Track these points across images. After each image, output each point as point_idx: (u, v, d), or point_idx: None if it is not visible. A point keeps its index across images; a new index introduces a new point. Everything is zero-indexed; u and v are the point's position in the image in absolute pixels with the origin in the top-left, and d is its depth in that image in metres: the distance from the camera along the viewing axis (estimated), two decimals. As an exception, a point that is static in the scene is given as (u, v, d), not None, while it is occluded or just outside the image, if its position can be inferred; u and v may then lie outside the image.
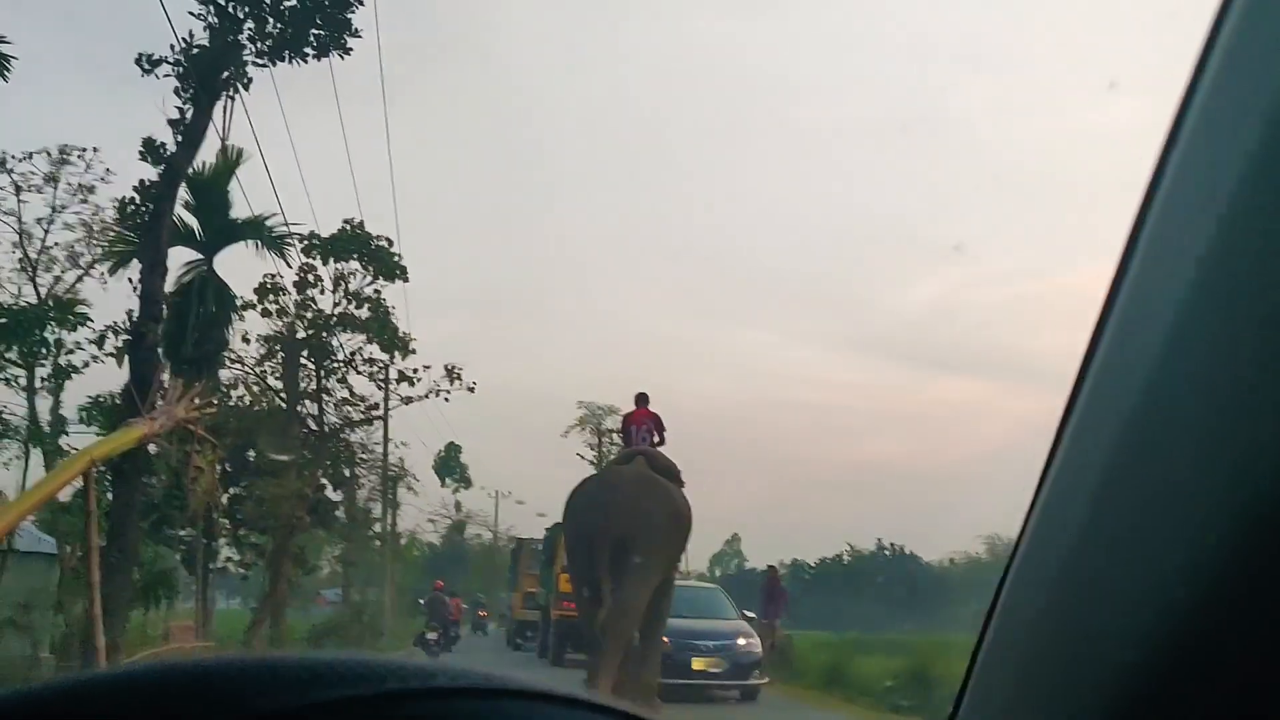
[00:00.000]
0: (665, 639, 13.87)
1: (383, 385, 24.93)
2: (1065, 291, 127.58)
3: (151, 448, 14.82)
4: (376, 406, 24.94)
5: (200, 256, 20.81)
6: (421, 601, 33.90)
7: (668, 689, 13.04)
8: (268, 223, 21.18)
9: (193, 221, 20.79)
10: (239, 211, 21.33)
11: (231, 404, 24.70)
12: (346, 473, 32.33)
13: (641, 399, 15.20)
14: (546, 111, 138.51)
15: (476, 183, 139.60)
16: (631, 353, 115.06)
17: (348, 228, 23.09)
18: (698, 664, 14.23)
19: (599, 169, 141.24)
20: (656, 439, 14.56)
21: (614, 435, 54.01)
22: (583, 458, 56.48)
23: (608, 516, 12.44)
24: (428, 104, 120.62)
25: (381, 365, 24.09)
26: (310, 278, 23.24)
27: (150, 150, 12.78)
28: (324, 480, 28.12)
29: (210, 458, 14.48)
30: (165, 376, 15.77)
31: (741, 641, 15.11)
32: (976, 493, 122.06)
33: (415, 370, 24.47)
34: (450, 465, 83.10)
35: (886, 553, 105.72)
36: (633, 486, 12.99)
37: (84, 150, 23.27)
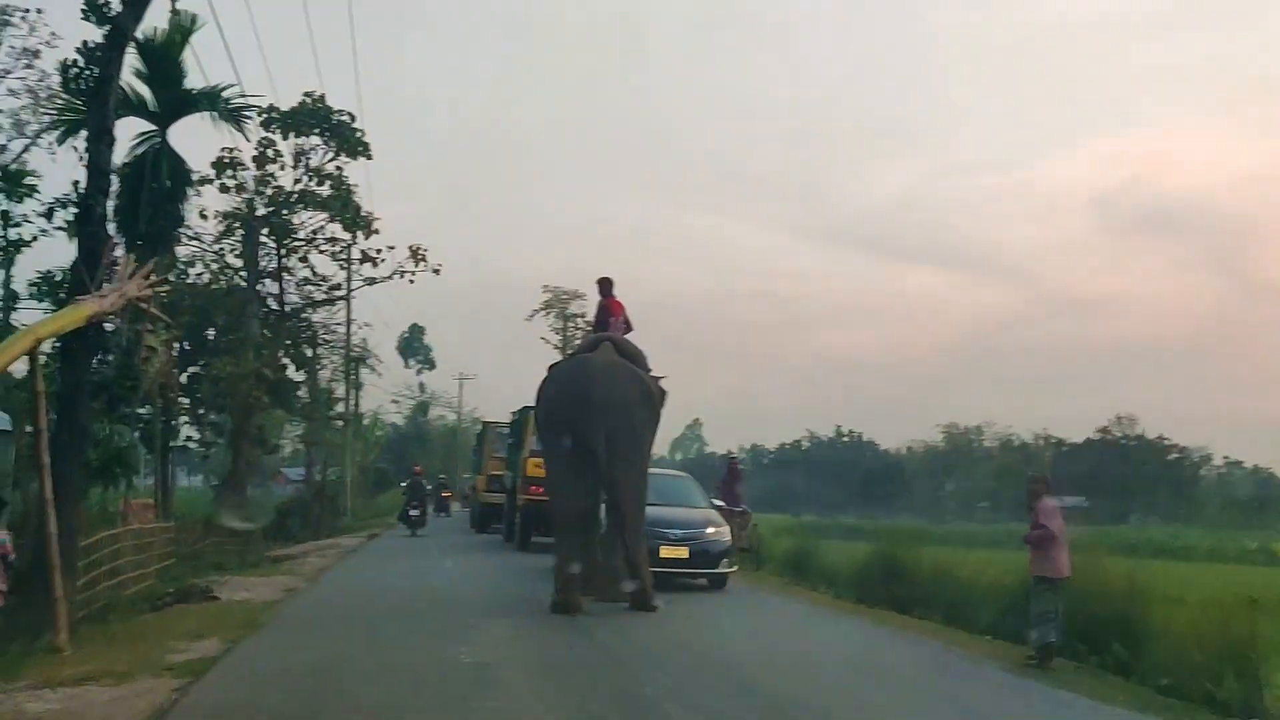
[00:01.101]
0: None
1: (345, 265, 24.26)
2: (1028, 185, 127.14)
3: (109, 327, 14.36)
4: (339, 287, 24.33)
5: (153, 128, 19.88)
6: (403, 485, 37.32)
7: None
8: (224, 94, 20.22)
9: (145, 91, 19.83)
10: (194, 82, 20.36)
11: (190, 282, 24.08)
12: (309, 353, 31.87)
13: (605, 284, 14.93)
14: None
15: (444, 67, 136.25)
16: (598, 239, 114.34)
17: (308, 101, 22.19)
18: (666, 552, 14.10)
19: (568, 56, 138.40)
20: (625, 328, 14.41)
21: (579, 320, 53.77)
22: (547, 341, 56.21)
23: (588, 406, 12.28)
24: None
25: (344, 245, 23.38)
26: (270, 153, 22.41)
27: (93, 8, 11.91)
28: (285, 360, 27.71)
29: (164, 336, 13.98)
30: (118, 253, 15.16)
31: (710, 530, 15.00)
32: (936, 383, 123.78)
33: (379, 251, 23.85)
34: (414, 347, 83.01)
35: (845, 440, 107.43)
36: (609, 373, 12.82)
37: (26, 12, 22.07)
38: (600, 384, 12.53)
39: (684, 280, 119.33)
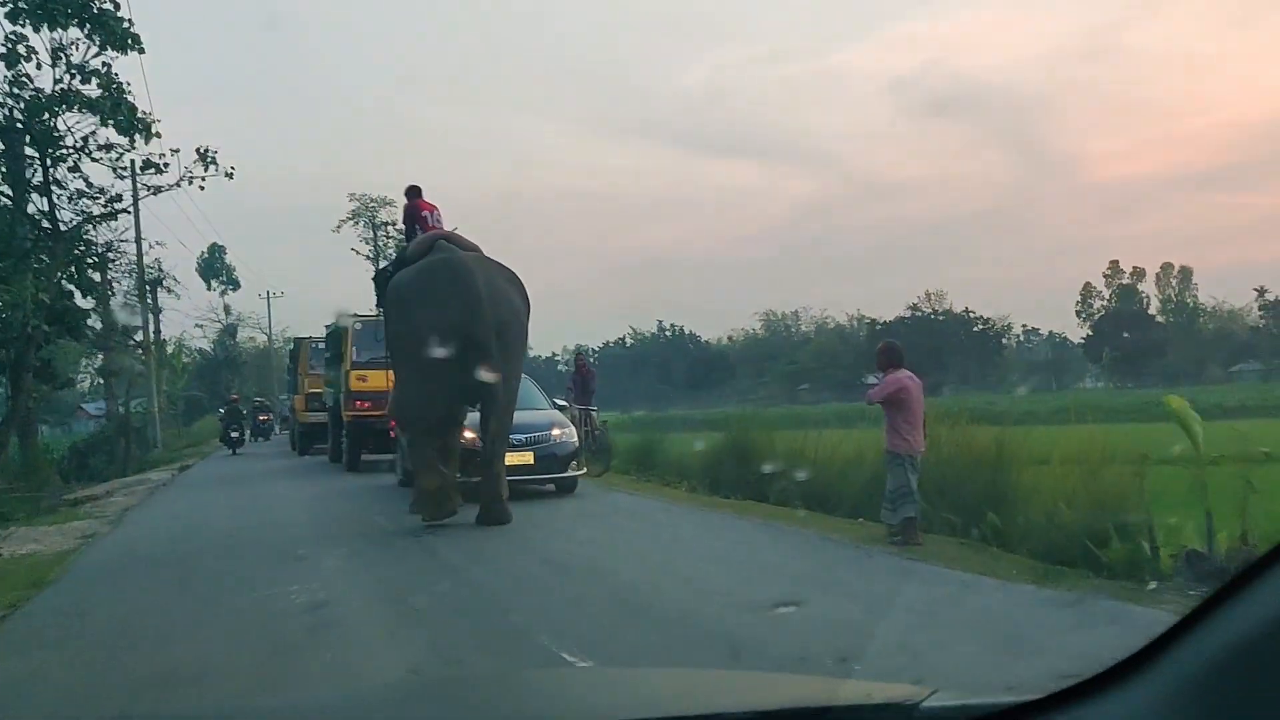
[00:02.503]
0: (472, 434, 12.78)
1: (122, 174, 21.73)
2: (829, 73, 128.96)
3: None
4: (119, 199, 21.81)
5: (-127, 23, 17.13)
6: (221, 410, 38.42)
7: (475, 488, 11.94)
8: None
9: None
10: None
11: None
12: (95, 277, 29.14)
13: (414, 191, 13.74)
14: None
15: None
16: (401, 144, 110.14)
17: (60, -14, 19.54)
18: (510, 459, 12.98)
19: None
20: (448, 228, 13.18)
21: (390, 228, 51.63)
22: (358, 253, 54.18)
23: (477, 305, 11.13)
24: None
25: (120, 151, 20.88)
26: (20, 49, 19.72)
27: None
28: (71, 287, 25.13)
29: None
30: None
31: (556, 432, 14.06)
32: (753, 273, 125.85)
33: (162, 156, 21.43)
34: (215, 267, 78.41)
35: (667, 334, 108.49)
36: (487, 271, 11.73)
37: None
38: (483, 282, 11.41)
39: (490, 182, 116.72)
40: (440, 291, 11.36)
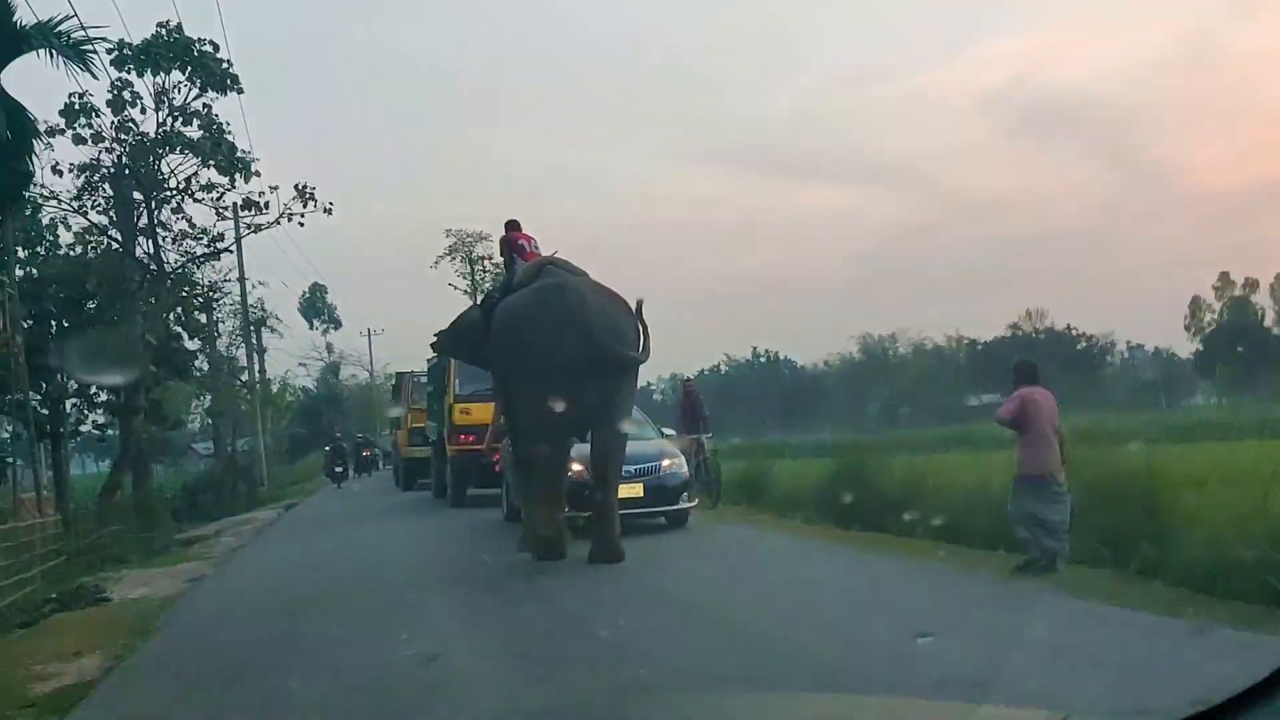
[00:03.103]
0: (580, 467, 12.29)
1: (222, 213, 21.81)
2: (916, 92, 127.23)
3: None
4: (221, 238, 21.92)
5: (-18, 73, 17.37)
6: (327, 449, 40.15)
7: (587, 521, 11.48)
8: (61, 27, 17.68)
9: (-34, 32, 17.28)
10: (25, 18, 17.81)
11: (61, 251, 21.63)
12: (201, 318, 29.56)
13: (513, 224, 13.30)
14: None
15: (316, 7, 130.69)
16: (494, 180, 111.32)
17: (162, 32, 19.76)
18: (620, 491, 12.41)
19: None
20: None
21: (486, 262, 51.76)
22: (455, 288, 54.46)
23: (588, 334, 10.58)
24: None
25: (221, 190, 20.99)
26: (126, 94, 19.97)
27: None
28: (178, 328, 25.45)
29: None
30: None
31: (666, 463, 13.48)
32: (847, 296, 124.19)
33: (261, 194, 21.49)
34: (317, 307, 79.82)
35: (762, 359, 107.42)
36: (600, 299, 11.19)
37: None
38: (595, 307, 10.89)
39: (577, 214, 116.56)
40: (552, 317, 10.83)
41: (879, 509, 13.54)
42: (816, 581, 9.73)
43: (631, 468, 12.60)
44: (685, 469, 13.86)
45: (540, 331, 10.82)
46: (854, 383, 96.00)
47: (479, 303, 12.98)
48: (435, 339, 14.31)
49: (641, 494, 12.98)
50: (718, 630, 7.43)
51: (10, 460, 20.05)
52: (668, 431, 15.67)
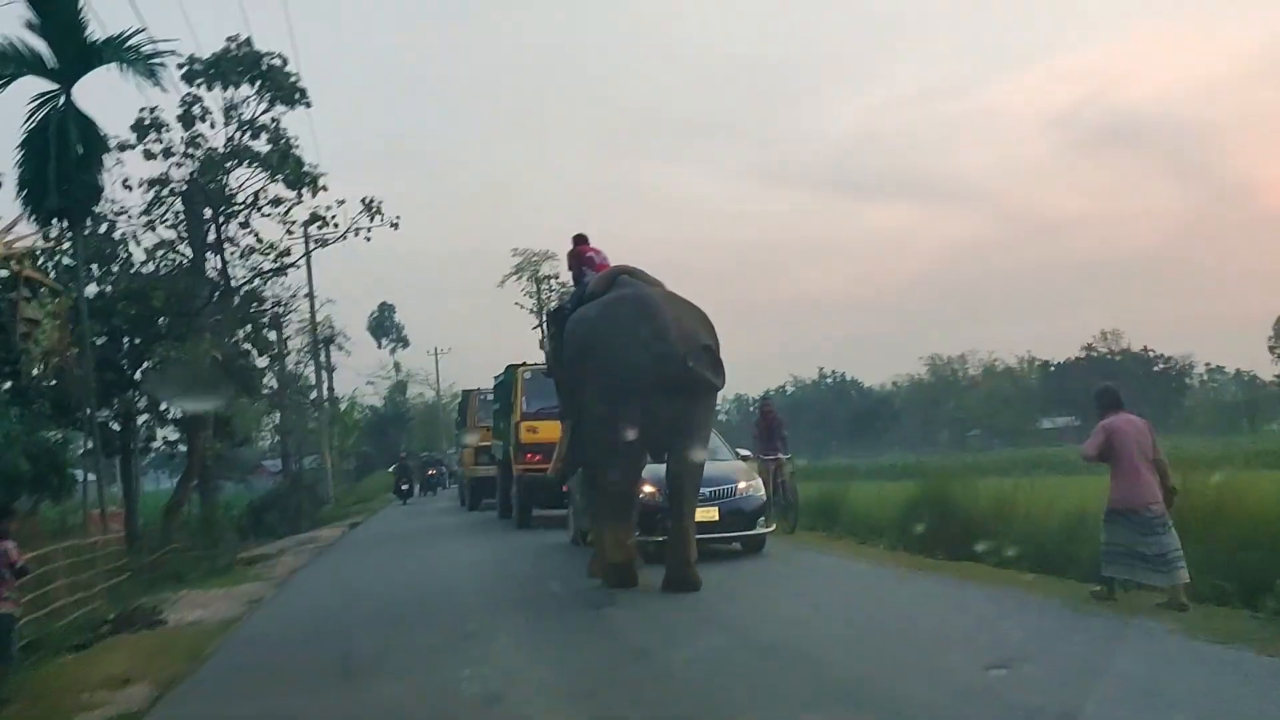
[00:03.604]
0: (652, 488, 11.75)
1: (291, 229, 21.60)
2: (985, 110, 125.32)
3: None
4: (289, 253, 21.73)
5: (55, 86, 17.36)
6: (391, 469, 42.81)
7: (660, 546, 10.91)
8: (131, 41, 17.60)
9: (41, 46, 17.29)
10: (98, 32, 17.77)
11: (133, 268, 21.58)
12: (270, 335, 29.51)
13: (580, 238, 12.80)
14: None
15: (391, 15, 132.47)
16: (560, 200, 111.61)
17: (232, 46, 19.68)
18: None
19: (522, 12, 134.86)
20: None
21: (552, 281, 51.54)
22: (522, 306, 54.37)
23: (668, 347, 10.02)
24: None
25: (289, 204, 20.81)
26: (196, 109, 19.89)
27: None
28: (247, 346, 25.36)
29: (49, 307, 11.56)
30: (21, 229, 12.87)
31: (742, 485, 12.84)
32: (915, 316, 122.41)
33: (329, 208, 21.26)
34: (385, 326, 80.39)
35: (829, 380, 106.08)
36: (678, 310, 10.61)
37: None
38: (672, 319, 10.30)
39: (642, 232, 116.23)
40: (627, 329, 10.25)
41: (964, 536, 12.80)
42: (903, 614, 9.05)
43: (706, 490, 11.95)
44: (762, 492, 13.20)
45: (614, 345, 10.25)
46: (922, 404, 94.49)
47: (548, 315, 12.41)
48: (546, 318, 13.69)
49: (716, 518, 12.36)
50: (799, 668, 6.81)
51: (80, 475, 19.96)
52: (743, 452, 15.01)
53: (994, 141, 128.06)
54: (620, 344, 10.18)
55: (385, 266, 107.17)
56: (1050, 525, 11.80)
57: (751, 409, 79.28)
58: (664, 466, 10.92)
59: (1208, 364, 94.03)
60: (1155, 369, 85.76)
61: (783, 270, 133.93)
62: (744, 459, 14.58)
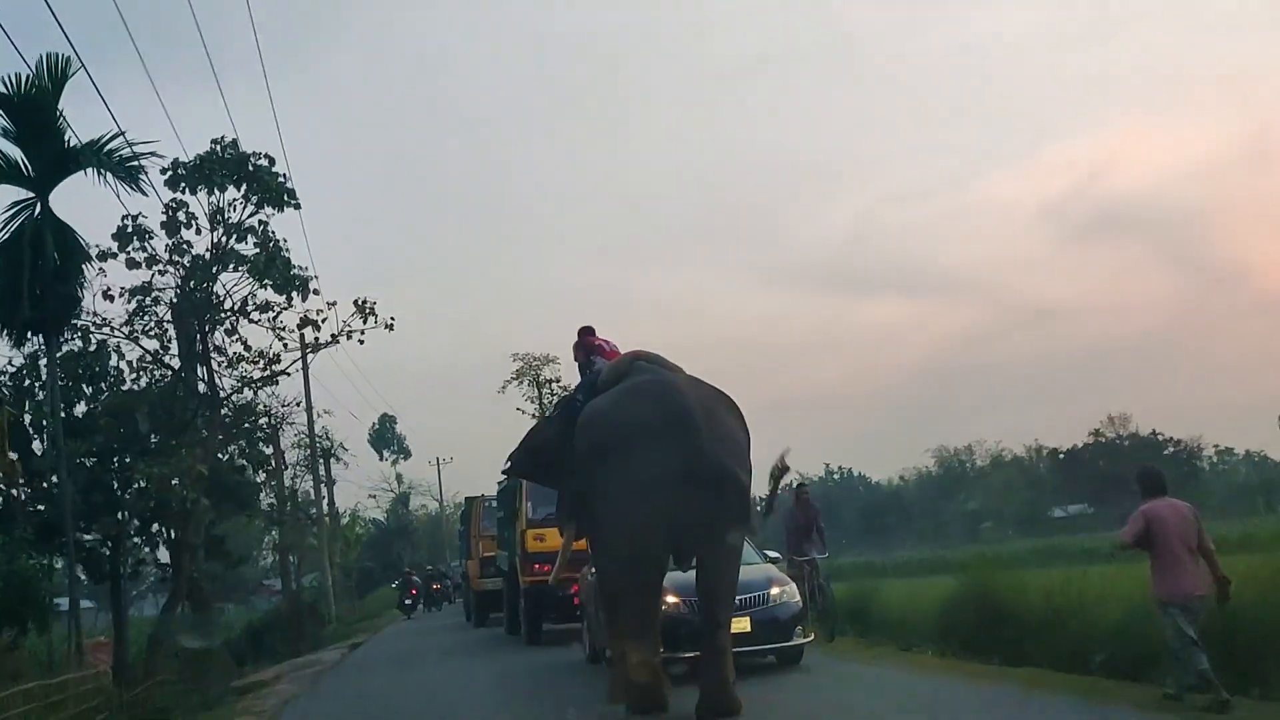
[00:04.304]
0: (677, 598, 10.69)
1: (282, 336, 20.60)
2: (976, 203, 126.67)
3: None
4: (278, 360, 20.76)
5: (30, 195, 16.69)
6: (394, 584, 44.36)
7: (688, 664, 10.05)
8: (110, 145, 16.95)
9: (16, 152, 16.71)
10: (77, 138, 17.16)
11: (122, 384, 20.63)
12: (266, 449, 28.52)
13: (586, 330, 11.86)
14: (460, 69, 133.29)
15: (378, 129, 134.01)
16: (555, 303, 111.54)
17: (217, 148, 19.05)
18: (723, 627, 10.67)
19: (513, 118, 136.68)
20: None
21: (554, 385, 50.79)
22: (523, 412, 53.66)
23: (692, 436, 8.92)
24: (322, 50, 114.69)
25: (278, 308, 19.90)
26: (181, 216, 19.18)
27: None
28: (242, 461, 24.35)
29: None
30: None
31: (775, 591, 11.65)
32: (918, 408, 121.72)
33: (319, 311, 20.36)
34: (386, 438, 79.26)
35: (835, 476, 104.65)
36: (701, 395, 9.53)
37: None
38: (701, 412, 9.19)
39: (640, 334, 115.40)
40: (649, 420, 9.15)
41: (1017, 636, 11.72)
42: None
43: (737, 598, 10.81)
44: (797, 597, 12.02)
45: (635, 437, 9.12)
46: (932, 497, 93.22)
47: (556, 409, 11.27)
48: (508, 464, 12.55)
49: (749, 629, 11.13)
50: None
51: (54, 603, 18.77)
52: (771, 554, 13.80)
53: (988, 233, 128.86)
54: (642, 435, 9.06)
55: (384, 375, 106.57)
56: (1105, 621, 10.79)
57: (782, 491, 77.89)
58: (688, 573, 9.84)
59: (1216, 446, 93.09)
60: (1165, 452, 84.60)
61: (784, 368, 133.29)
62: (773, 560, 13.42)
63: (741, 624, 10.97)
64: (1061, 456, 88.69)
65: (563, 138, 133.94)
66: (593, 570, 12.11)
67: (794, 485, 15.25)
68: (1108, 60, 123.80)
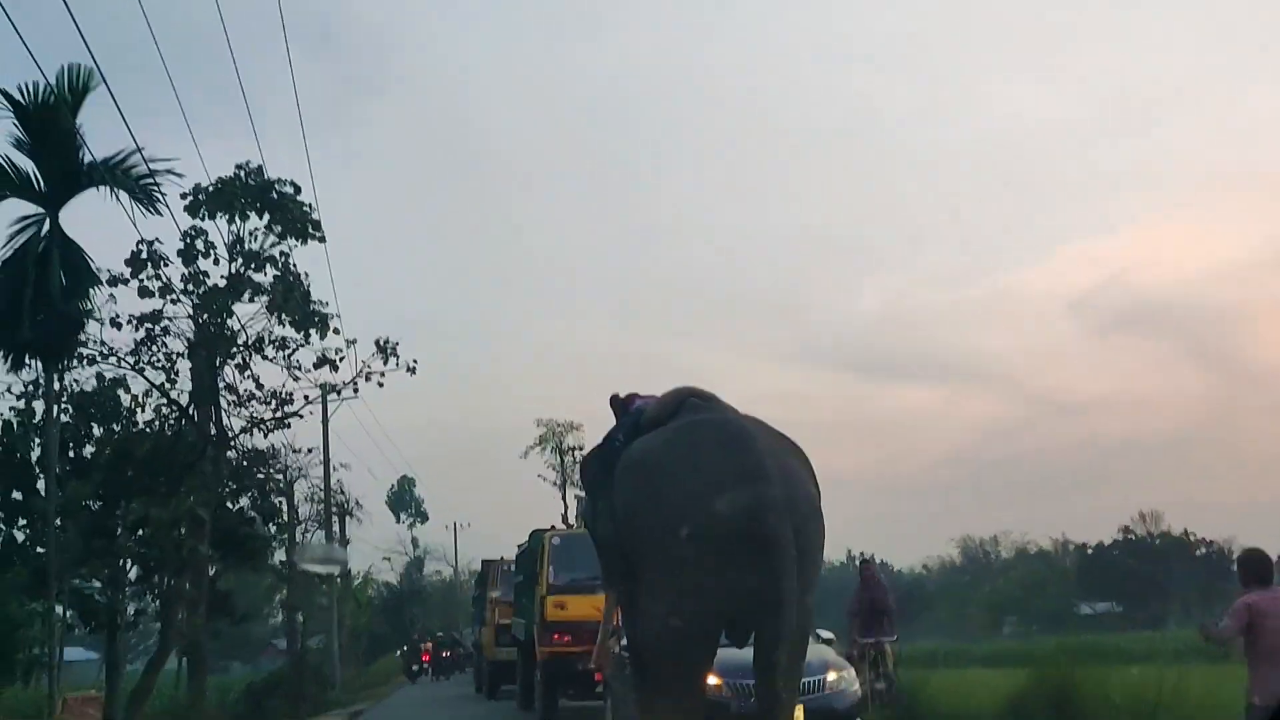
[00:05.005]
0: (718, 680, 9.30)
1: (297, 374, 19.30)
2: (1004, 293, 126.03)
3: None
4: (290, 400, 19.50)
5: (40, 210, 15.77)
6: (398, 653, 45.61)
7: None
8: (127, 162, 16.02)
9: (27, 164, 15.84)
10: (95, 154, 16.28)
11: (139, 426, 19.46)
12: (279, 503, 27.26)
13: (618, 398, 9.89)
14: (493, 132, 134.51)
15: (412, 192, 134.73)
16: (582, 375, 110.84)
17: (240, 174, 18.10)
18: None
19: (547, 184, 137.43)
20: None
21: (576, 453, 49.62)
22: (544, 479, 52.63)
23: (755, 487, 7.18)
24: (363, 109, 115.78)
25: (294, 345, 18.71)
26: (200, 244, 18.18)
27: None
28: (253, 513, 23.09)
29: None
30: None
31: (831, 676, 10.19)
32: (941, 498, 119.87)
33: (338, 351, 19.12)
34: (404, 499, 78.10)
35: (857, 561, 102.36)
36: (769, 439, 7.74)
37: None
38: (770, 458, 7.46)
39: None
40: (708, 464, 7.42)
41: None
42: None
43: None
44: (857, 685, 10.57)
45: (691, 485, 7.38)
46: (957, 588, 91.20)
47: (594, 451, 9.50)
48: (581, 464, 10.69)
49: (801, 719, 9.70)
50: None
51: (42, 654, 17.47)
52: (825, 634, 12.26)
53: (1016, 324, 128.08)
54: (700, 484, 7.33)
55: (405, 438, 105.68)
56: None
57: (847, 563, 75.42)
58: (739, 651, 8.23)
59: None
60: (1198, 552, 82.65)
61: (808, 448, 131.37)
62: (827, 642, 11.95)
63: (795, 714, 9.55)
64: (1090, 552, 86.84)
65: (596, 207, 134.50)
66: (622, 643, 10.53)
67: (858, 561, 13.80)
68: (1133, 155, 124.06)
